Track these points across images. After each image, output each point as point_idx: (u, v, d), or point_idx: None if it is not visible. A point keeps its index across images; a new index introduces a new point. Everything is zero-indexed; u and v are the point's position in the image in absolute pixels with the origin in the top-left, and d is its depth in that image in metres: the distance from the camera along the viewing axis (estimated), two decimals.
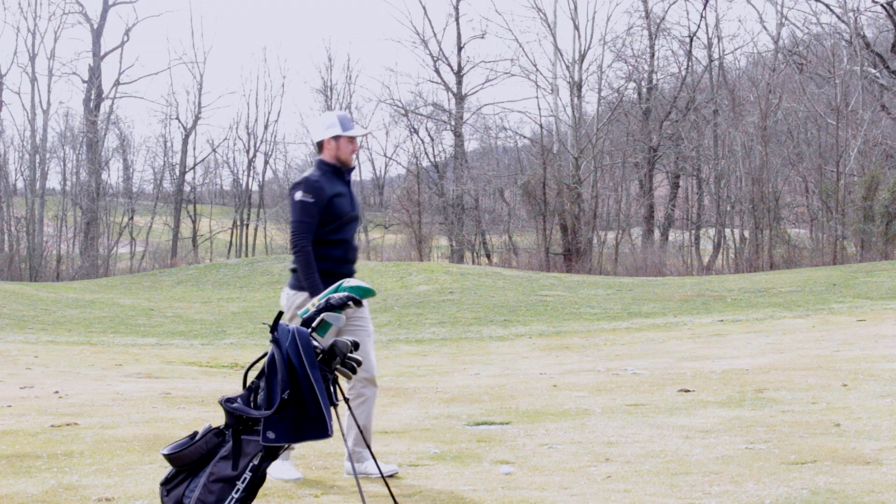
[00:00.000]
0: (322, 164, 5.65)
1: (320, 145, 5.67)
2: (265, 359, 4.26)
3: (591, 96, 54.09)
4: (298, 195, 5.51)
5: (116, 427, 7.28)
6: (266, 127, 54.01)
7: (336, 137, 5.61)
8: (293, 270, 5.63)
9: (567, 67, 42.55)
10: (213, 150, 53.84)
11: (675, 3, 54.65)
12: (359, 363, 4.53)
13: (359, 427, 5.01)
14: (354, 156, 5.68)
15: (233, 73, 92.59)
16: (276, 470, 5.38)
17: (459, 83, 47.54)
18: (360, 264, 34.91)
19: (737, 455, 5.76)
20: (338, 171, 5.65)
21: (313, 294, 5.39)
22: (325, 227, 5.54)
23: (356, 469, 4.48)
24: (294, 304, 5.55)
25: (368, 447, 4.87)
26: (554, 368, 12.15)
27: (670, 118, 43.15)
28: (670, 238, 42.17)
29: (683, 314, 20.00)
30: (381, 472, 4.72)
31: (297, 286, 5.59)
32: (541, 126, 44.17)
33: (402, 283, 28.88)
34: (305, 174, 5.64)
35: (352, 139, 5.64)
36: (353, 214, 5.68)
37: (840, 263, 30.90)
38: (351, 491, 5.22)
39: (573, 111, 41.90)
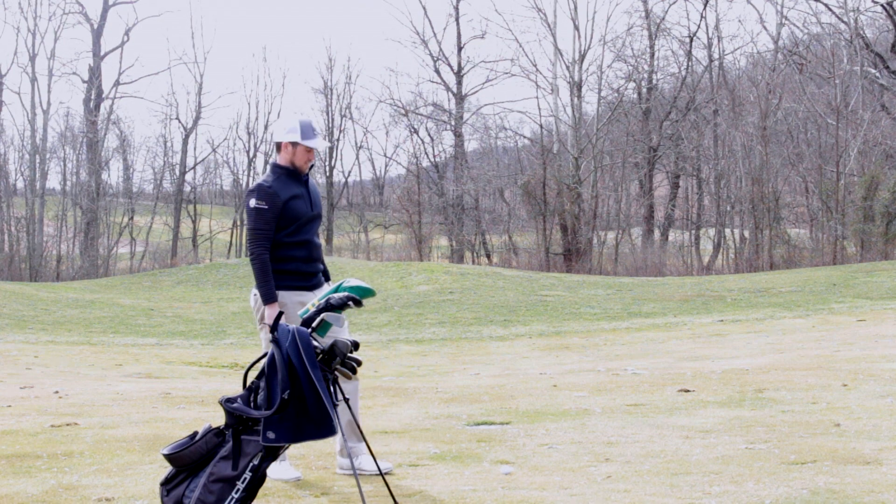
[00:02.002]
0: (276, 168, 5.61)
1: (278, 146, 5.61)
2: (265, 359, 4.26)
3: (591, 96, 54.05)
4: (252, 202, 5.51)
5: (116, 427, 7.28)
6: (266, 127, 53.85)
7: (294, 143, 5.55)
8: None
9: (567, 67, 42.56)
10: (214, 150, 53.96)
11: (675, 3, 54.85)
12: (359, 363, 4.54)
13: (356, 422, 5.05)
14: (309, 164, 5.56)
15: (233, 73, 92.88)
16: (274, 471, 5.39)
17: (459, 83, 47.55)
18: (361, 264, 35.05)
19: (737, 455, 5.76)
20: (293, 174, 5.60)
21: (266, 301, 5.47)
22: (284, 230, 5.54)
23: (353, 465, 4.48)
24: (259, 305, 5.59)
25: (366, 443, 4.90)
26: (554, 368, 12.14)
27: (670, 118, 43.14)
28: (670, 238, 42.18)
29: (683, 314, 20.00)
30: (379, 470, 4.73)
31: None
32: (541, 126, 44.20)
33: (402, 283, 28.88)
34: (259, 180, 5.60)
35: (309, 149, 5.57)
36: (311, 215, 5.65)
37: (840, 263, 30.89)
38: (351, 490, 5.22)
39: (573, 111, 41.91)
